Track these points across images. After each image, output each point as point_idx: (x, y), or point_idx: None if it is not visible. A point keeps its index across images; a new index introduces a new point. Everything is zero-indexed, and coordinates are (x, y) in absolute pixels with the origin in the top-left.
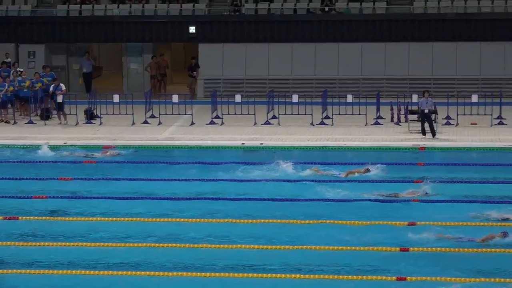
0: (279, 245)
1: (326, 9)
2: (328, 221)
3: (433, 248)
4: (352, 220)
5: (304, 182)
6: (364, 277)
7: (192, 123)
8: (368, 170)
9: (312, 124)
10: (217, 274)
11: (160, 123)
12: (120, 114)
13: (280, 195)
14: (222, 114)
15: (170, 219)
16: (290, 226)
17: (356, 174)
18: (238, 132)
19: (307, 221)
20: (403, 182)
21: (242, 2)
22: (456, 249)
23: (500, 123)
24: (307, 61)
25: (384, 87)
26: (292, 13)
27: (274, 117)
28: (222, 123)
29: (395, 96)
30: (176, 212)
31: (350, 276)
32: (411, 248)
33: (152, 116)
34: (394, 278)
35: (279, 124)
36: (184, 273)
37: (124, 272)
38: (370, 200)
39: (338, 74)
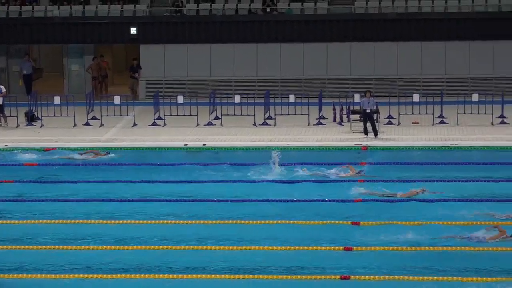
0: (224, 245)
1: (268, 9)
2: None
3: (378, 247)
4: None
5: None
6: (309, 276)
7: (134, 125)
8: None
9: (254, 124)
10: (163, 275)
11: (102, 124)
12: (61, 116)
13: (234, 196)
14: (164, 115)
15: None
16: (238, 226)
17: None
18: (180, 133)
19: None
20: (343, 181)
21: (183, 3)
22: (406, 247)
23: (442, 122)
24: (249, 62)
25: (326, 87)
26: (234, 13)
27: (216, 118)
28: (165, 124)
29: (337, 96)
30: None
31: (294, 276)
32: (354, 247)
33: (94, 118)
34: (338, 277)
35: (221, 125)
36: (128, 275)
37: (66, 276)
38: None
39: (280, 74)
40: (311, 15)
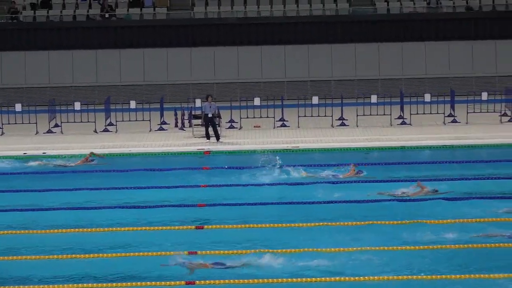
0: (63, 254)
1: (107, 15)
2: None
3: (222, 251)
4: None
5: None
6: (153, 283)
7: None
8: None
9: (95, 131)
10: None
11: None
12: None
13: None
14: (2, 124)
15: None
16: (77, 234)
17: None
18: (19, 141)
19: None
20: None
21: (19, 10)
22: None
23: (283, 125)
24: (89, 68)
25: (167, 92)
26: (72, 19)
27: (56, 125)
28: (3, 133)
29: (178, 101)
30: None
31: (139, 283)
32: (198, 251)
33: None
34: (183, 282)
35: (62, 132)
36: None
37: None
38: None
39: (120, 80)
40: (150, 21)
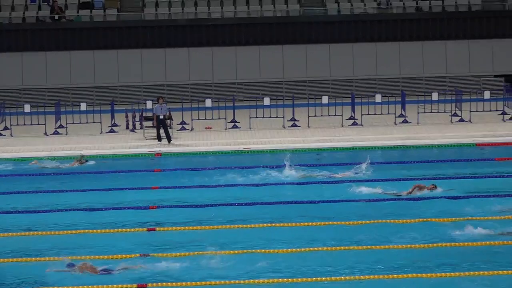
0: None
1: (56, 17)
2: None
3: (175, 253)
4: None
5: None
6: (104, 286)
7: None
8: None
9: (46, 134)
10: None
11: None
12: None
13: None
14: None
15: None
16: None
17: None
18: None
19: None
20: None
21: None
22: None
23: (234, 127)
24: (39, 70)
25: (118, 94)
26: (21, 21)
27: (6, 128)
28: None
29: (129, 103)
30: None
31: (90, 286)
32: (151, 254)
33: None
34: (134, 285)
35: (11, 135)
36: None
37: None
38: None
39: (71, 82)
40: (100, 22)
